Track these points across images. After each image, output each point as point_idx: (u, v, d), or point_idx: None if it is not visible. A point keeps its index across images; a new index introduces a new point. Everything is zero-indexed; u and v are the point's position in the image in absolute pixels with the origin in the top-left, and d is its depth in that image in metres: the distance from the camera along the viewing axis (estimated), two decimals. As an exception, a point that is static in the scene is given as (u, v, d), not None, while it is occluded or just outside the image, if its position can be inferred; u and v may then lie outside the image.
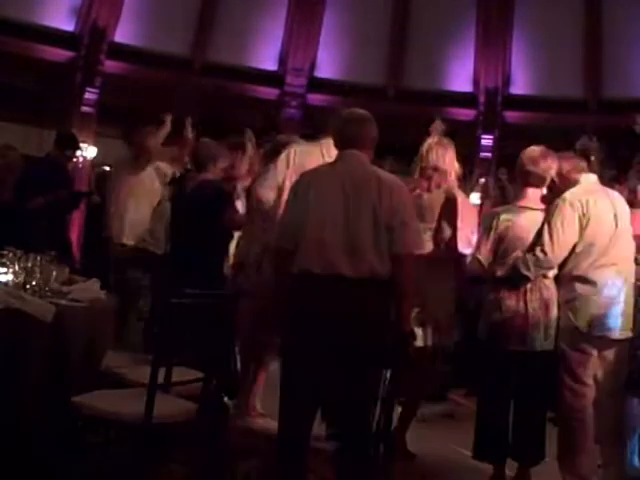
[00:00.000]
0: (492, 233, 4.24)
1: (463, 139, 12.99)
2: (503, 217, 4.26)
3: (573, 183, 4.14)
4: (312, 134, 4.97)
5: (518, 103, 14.07)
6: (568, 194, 4.07)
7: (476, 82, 14.29)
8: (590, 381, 3.99)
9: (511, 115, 14.15)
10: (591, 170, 4.41)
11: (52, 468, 3.36)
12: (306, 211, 3.47)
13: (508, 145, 12.39)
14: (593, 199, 4.05)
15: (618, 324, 3.96)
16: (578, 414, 3.99)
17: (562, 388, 4.04)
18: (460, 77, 14.27)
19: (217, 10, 13.80)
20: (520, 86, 14.25)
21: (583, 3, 13.83)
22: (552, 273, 4.14)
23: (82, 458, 3.48)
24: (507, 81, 14.33)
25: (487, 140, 14.10)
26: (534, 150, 4.26)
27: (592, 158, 4.52)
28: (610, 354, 3.99)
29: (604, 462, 4.09)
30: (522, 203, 4.26)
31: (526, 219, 4.18)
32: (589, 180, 4.17)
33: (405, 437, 4.66)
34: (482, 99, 14.22)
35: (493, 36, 14.25)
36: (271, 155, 5.11)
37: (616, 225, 4.03)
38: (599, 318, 3.94)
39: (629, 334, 4.00)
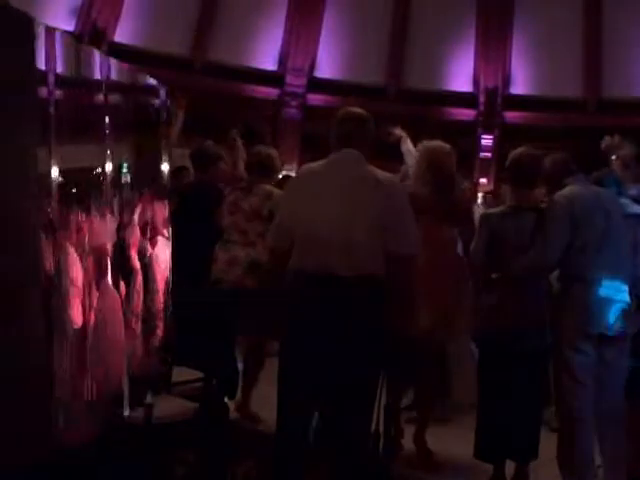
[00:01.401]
0: (486, 234, 4.25)
1: (463, 139, 13.14)
2: (496, 218, 4.28)
3: (564, 184, 4.15)
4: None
5: (518, 103, 14.10)
6: (559, 195, 4.08)
7: (476, 82, 14.31)
8: (589, 381, 3.99)
9: (511, 115, 14.17)
10: (613, 169, 4.44)
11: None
12: (300, 210, 3.47)
13: (508, 145, 12.40)
14: (584, 199, 4.05)
15: (616, 322, 3.96)
16: (577, 414, 3.99)
17: (560, 388, 4.05)
18: (460, 77, 14.29)
19: (217, 10, 13.81)
20: (520, 86, 14.27)
21: (583, 3, 13.85)
22: (547, 273, 4.17)
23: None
24: (507, 81, 14.35)
25: (487, 140, 14.13)
26: (520, 151, 4.28)
27: (613, 157, 4.53)
28: (609, 353, 3.99)
29: (604, 462, 4.09)
30: (514, 203, 4.27)
31: (519, 219, 4.20)
32: (580, 180, 4.17)
33: (424, 437, 4.67)
34: (482, 99, 14.24)
35: (493, 36, 14.27)
36: (258, 168, 5.17)
37: (608, 224, 4.03)
38: (596, 316, 3.94)
39: (627, 332, 4.00)
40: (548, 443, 4.17)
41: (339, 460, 3.41)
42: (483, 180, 13.18)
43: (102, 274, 4.24)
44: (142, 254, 4.91)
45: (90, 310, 4.03)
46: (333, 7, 14.36)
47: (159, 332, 4.94)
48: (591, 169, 4.36)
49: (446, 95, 14.08)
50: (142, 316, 4.74)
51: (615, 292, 3.95)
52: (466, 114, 14.17)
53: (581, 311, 3.94)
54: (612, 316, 3.93)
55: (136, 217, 5.29)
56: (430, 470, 4.52)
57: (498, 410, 4.21)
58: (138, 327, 4.61)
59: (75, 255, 4.61)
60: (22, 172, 3.08)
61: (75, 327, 3.77)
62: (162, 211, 5.29)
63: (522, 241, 4.13)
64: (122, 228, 5.18)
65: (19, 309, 3.13)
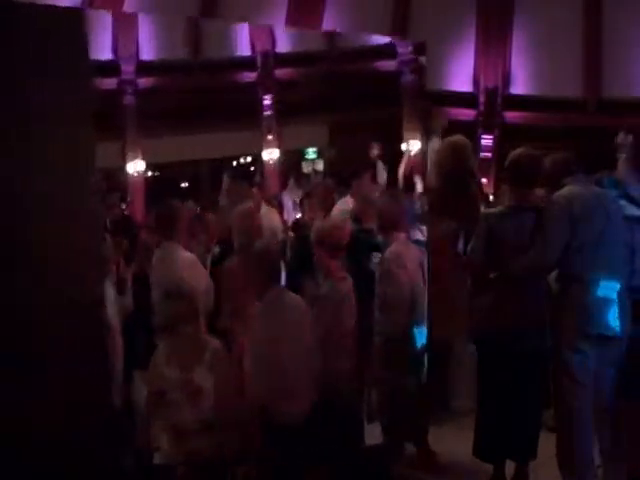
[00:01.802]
0: (485, 234, 4.25)
1: (463, 139, 13.09)
2: (495, 218, 4.28)
3: (563, 183, 4.15)
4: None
5: (518, 103, 14.06)
6: (557, 195, 4.09)
7: (476, 82, 14.28)
8: (588, 381, 3.99)
9: (511, 115, 14.14)
10: (618, 168, 4.44)
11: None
12: None
13: (508, 145, 12.39)
14: (583, 199, 4.05)
15: (613, 323, 3.96)
16: (577, 414, 3.99)
17: (560, 388, 4.05)
18: (460, 77, 14.26)
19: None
20: (520, 86, 14.24)
21: (583, 3, 13.83)
22: (546, 273, 4.17)
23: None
24: (507, 81, 14.32)
25: (487, 140, 14.08)
26: (520, 152, 4.28)
27: (623, 155, 4.52)
28: (607, 353, 3.99)
29: (604, 462, 4.09)
30: (513, 203, 4.27)
31: (518, 219, 4.20)
32: (580, 180, 4.17)
33: (426, 437, 4.67)
34: (482, 99, 14.21)
35: (493, 36, 14.24)
36: None
37: (607, 224, 4.03)
38: (594, 317, 3.94)
39: (625, 333, 4.00)
40: (547, 443, 4.18)
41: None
42: (483, 180, 13.16)
43: (265, 279, 3.70)
44: (356, 255, 4.31)
45: (242, 320, 3.74)
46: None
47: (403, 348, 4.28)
48: (591, 169, 4.35)
49: (446, 95, 14.06)
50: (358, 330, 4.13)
51: (613, 292, 3.95)
52: (466, 114, 14.13)
53: (580, 311, 3.94)
54: (611, 316, 3.93)
55: (339, 210, 4.71)
56: (430, 470, 4.52)
57: (498, 410, 4.21)
58: (345, 343, 4.02)
59: (189, 256, 4.21)
60: (74, 167, 2.96)
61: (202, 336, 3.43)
62: (400, 204, 4.61)
63: (521, 241, 4.13)
64: (301, 224, 4.60)
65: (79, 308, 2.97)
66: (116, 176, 8.81)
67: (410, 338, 4.39)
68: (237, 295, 4.09)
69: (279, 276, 3.81)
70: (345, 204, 5.55)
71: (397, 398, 4.39)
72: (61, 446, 2.82)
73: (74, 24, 2.85)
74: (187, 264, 4.21)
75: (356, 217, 4.80)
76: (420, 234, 4.68)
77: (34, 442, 2.81)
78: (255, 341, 3.69)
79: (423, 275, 4.49)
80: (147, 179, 6.20)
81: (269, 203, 6.70)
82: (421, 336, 4.47)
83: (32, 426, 2.80)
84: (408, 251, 4.45)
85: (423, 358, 4.53)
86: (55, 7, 2.96)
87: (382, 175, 6.84)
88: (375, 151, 7.33)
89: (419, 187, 5.81)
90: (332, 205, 5.45)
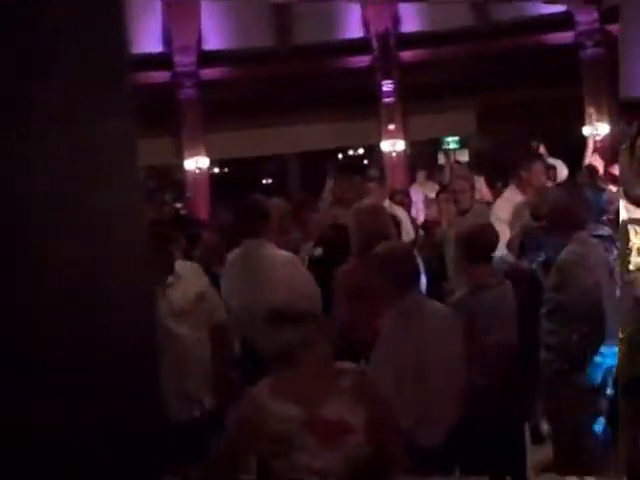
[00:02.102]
0: None
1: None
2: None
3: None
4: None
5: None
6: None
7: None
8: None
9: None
10: (621, 157, 4.41)
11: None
12: None
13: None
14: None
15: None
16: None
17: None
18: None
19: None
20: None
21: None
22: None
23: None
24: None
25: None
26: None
27: (624, 146, 4.51)
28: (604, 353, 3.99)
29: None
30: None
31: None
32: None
33: None
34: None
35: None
36: None
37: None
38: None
39: (620, 334, 3.99)
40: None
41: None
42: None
43: (394, 285, 3.10)
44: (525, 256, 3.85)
45: (369, 331, 3.24)
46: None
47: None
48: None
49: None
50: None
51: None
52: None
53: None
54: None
55: (502, 208, 4.21)
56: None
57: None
58: (494, 358, 3.49)
59: (286, 255, 3.77)
60: (114, 164, 2.86)
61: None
62: (581, 197, 4.02)
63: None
64: (434, 222, 4.05)
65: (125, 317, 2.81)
66: (170, 173, 8.22)
67: (593, 355, 3.74)
68: (361, 304, 3.54)
69: (415, 282, 3.24)
70: (507, 200, 4.87)
71: (572, 424, 3.84)
72: (61, 446, 2.82)
73: (106, 19, 2.80)
74: (281, 263, 3.73)
75: (533, 214, 4.20)
76: (604, 229, 4.04)
77: (34, 442, 2.80)
78: (389, 356, 3.14)
79: (611, 277, 3.78)
80: (212, 176, 5.68)
81: (393, 199, 6.11)
82: (610, 355, 3.72)
83: (32, 426, 2.79)
84: (592, 250, 3.81)
85: (608, 381, 3.75)
86: (79, 3, 2.90)
87: (562, 170, 5.99)
88: (536, 150, 6.39)
89: None
90: (472, 200, 4.87)
